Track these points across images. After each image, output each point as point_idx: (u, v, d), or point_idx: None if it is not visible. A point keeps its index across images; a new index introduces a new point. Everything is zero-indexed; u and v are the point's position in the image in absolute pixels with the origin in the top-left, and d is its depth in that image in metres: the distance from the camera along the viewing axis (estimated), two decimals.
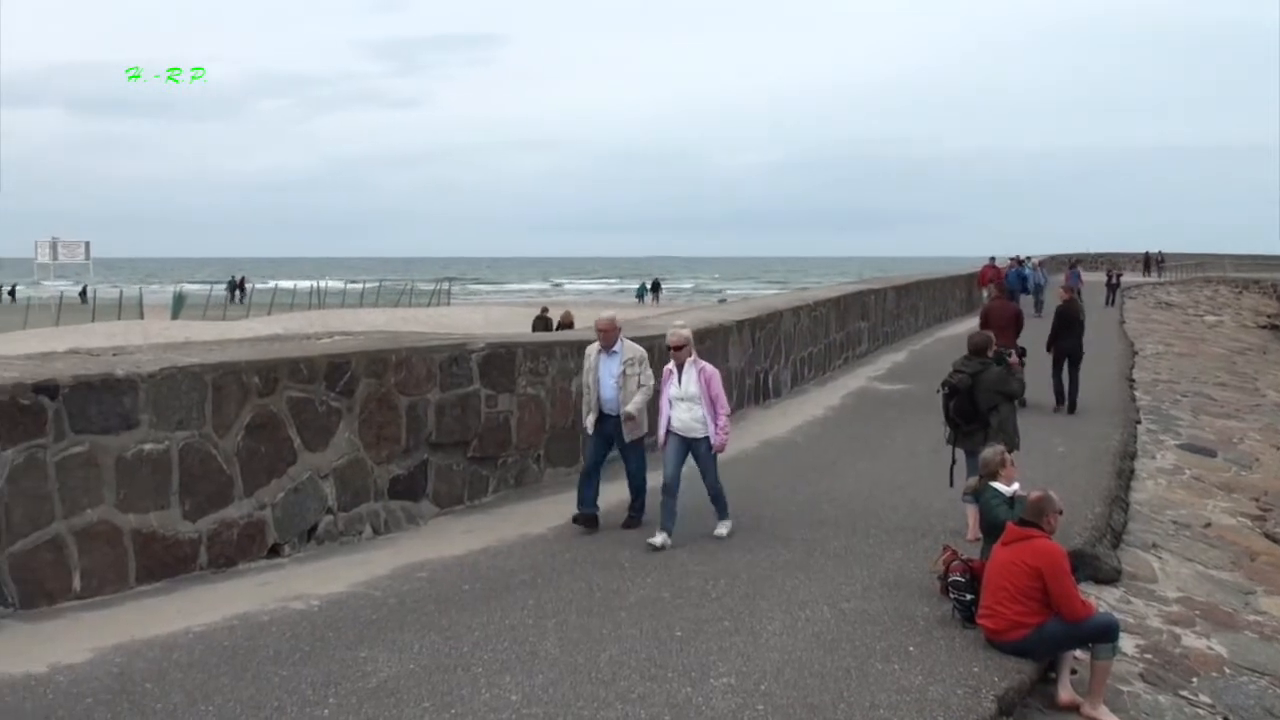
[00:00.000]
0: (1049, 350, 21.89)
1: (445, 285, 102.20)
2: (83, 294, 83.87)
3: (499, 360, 14.08)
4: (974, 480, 11.13)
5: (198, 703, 7.63)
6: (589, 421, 12.68)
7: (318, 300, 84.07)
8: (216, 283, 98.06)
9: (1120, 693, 9.36)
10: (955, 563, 9.84)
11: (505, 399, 14.17)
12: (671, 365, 12.26)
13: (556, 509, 12.76)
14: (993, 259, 46.21)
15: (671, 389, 12.20)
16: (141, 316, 68.50)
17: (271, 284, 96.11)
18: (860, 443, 18.45)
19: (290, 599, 9.93)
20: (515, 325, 47.49)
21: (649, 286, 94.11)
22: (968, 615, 9.45)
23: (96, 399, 9.83)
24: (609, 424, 12.60)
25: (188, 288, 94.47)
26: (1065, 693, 8.87)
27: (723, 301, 57.63)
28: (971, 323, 26.86)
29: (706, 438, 12.13)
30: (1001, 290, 25.02)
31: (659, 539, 11.78)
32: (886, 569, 11.19)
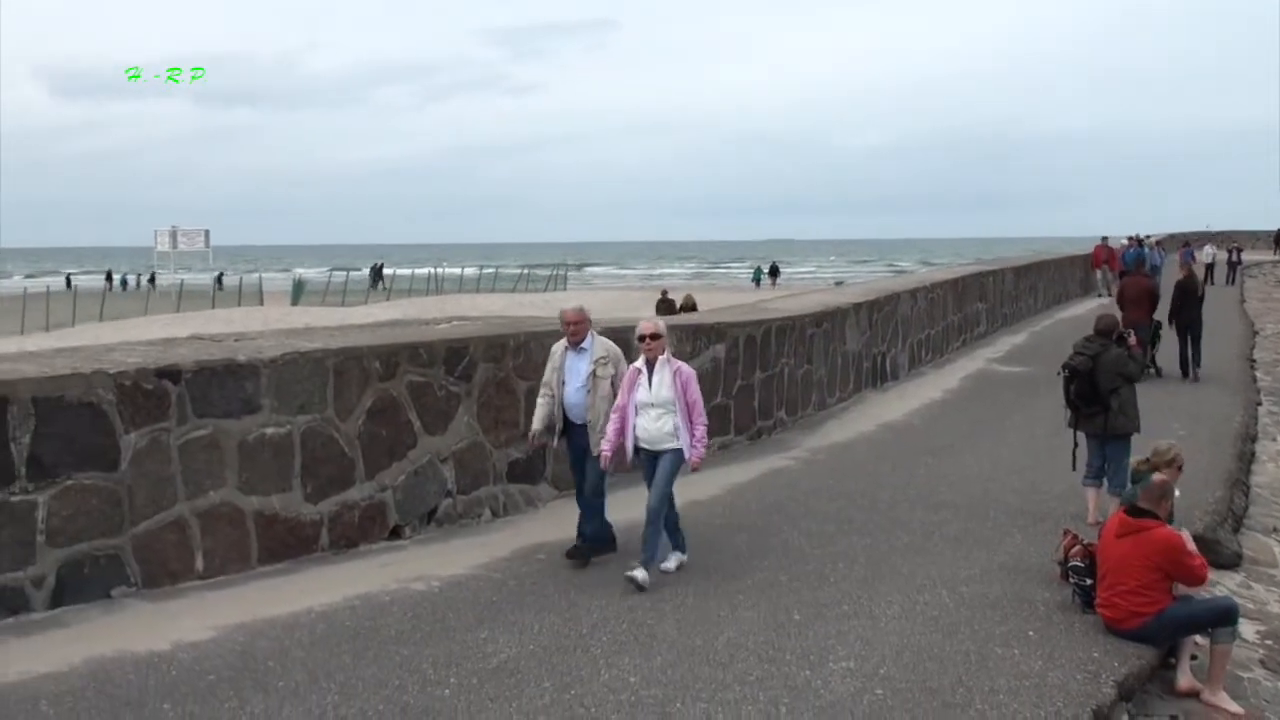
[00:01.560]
0: (1170, 324, 23.22)
1: (561, 270, 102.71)
2: (219, 279, 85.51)
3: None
4: (1141, 460, 10.64)
5: (319, 681, 7.74)
6: (537, 432, 10.92)
7: (435, 286, 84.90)
8: (337, 269, 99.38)
9: (1240, 679, 9.19)
10: (1076, 548, 9.70)
11: None
12: (640, 364, 10.31)
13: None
14: (1105, 239, 45.42)
15: (639, 393, 10.23)
16: (261, 302, 69.73)
17: (390, 270, 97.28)
18: (978, 425, 18.25)
19: (411, 580, 10.04)
20: (629, 310, 47.57)
21: (766, 271, 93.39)
22: (1087, 600, 9.32)
23: (219, 384, 10.02)
24: (579, 434, 10.76)
25: (305, 274, 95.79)
26: (1185, 679, 8.73)
27: (840, 284, 57.24)
28: (1092, 304, 26.71)
29: (675, 450, 10.20)
30: (1139, 266, 25.73)
31: (640, 574, 9.85)
32: (1005, 553, 11.07)
